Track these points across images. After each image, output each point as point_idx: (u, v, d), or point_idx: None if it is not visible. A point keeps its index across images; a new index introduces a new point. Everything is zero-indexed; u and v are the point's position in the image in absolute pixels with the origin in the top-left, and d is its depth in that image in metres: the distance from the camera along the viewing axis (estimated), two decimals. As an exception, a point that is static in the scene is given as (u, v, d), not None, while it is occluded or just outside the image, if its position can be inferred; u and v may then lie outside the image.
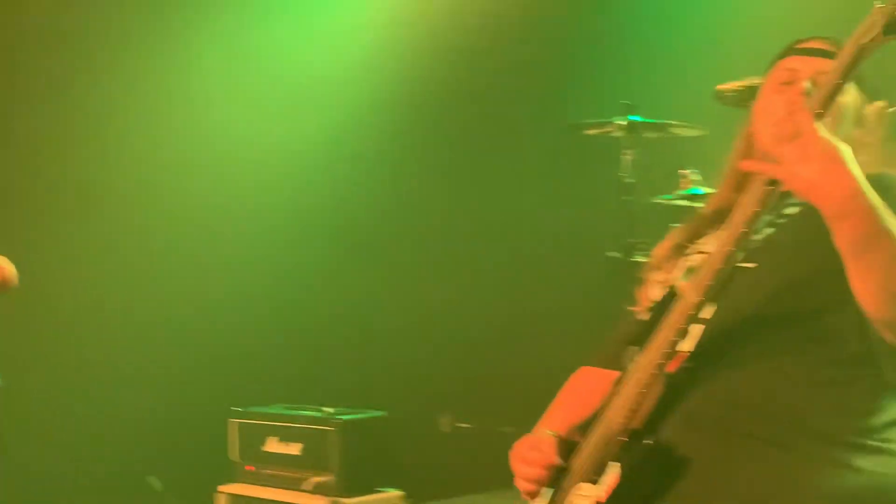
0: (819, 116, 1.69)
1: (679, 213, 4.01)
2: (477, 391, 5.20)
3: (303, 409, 4.47)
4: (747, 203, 1.78)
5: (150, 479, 4.73)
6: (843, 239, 1.69)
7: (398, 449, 4.40)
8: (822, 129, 1.67)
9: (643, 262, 2.31)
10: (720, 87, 3.94)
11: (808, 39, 2.13)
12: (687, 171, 4.11)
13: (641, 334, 1.96)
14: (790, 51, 2.13)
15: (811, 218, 1.74)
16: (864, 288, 1.71)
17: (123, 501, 4.66)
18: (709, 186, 4.04)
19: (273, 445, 4.38)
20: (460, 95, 5.34)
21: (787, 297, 1.87)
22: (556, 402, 2.19)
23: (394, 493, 4.26)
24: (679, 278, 2.01)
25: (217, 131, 5.14)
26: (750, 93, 3.82)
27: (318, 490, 4.18)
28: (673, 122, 4.28)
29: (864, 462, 1.78)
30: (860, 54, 1.70)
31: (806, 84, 1.98)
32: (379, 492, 4.24)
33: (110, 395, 4.75)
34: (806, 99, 1.71)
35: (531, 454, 2.04)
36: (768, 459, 1.78)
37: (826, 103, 1.71)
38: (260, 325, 5.10)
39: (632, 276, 4.07)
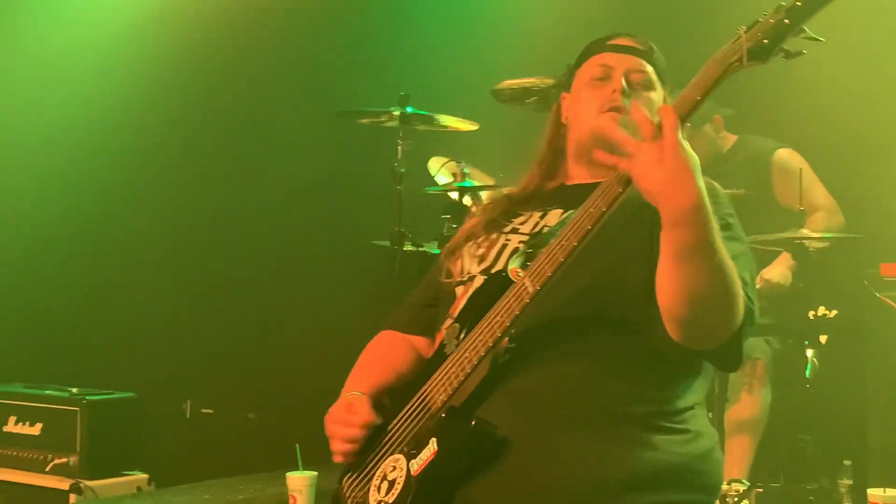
0: (682, 124, 1.75)
1: (449, 205, 4.09)
2: (222, 377, 5.13)
3: (46, 388, 4.31)
4: (596, 201, 1.83)
5: None
6: (671, 243, 1.75)
7: (144, 431, 4.30)
8: (682, 138, 1.72)
9: (448, 240, 2.31)
10: (498, 86, 4.03)
11: (616, 35, 2.19)
12: (459, 164, 4.17)
13: (465, 312, 2.00)
14: (603, 47, 2.18)
15: (618, 216, 1.81)
16: (672, 288, 1.79)
17: None
18: (479, 180, 4.13)
19: (12, 425, 4.21)
20: (234, 83, 5.24)
21: (596, 293, 1.95)
22: (359, 365, 2.18)
23: (139, 475, 4.15)
24: (507, 261, 2.04)
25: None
26: (525, 92, 3.96)
27: (61, 472, 4.04)
28: (446, 116, 4.34)
29: (661, 441, 1.91)
30: (724, 75, 1.77)
31: (622, 81, 2.06)
32: (124, 475, 4.13)
33: None
34: (674, 106, 1.75)
35: (346, 415, 2.04)
36: (581, 438, 1.88)
37: (687, 116, 1.77)
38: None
39: (400, 265, 4.14)
